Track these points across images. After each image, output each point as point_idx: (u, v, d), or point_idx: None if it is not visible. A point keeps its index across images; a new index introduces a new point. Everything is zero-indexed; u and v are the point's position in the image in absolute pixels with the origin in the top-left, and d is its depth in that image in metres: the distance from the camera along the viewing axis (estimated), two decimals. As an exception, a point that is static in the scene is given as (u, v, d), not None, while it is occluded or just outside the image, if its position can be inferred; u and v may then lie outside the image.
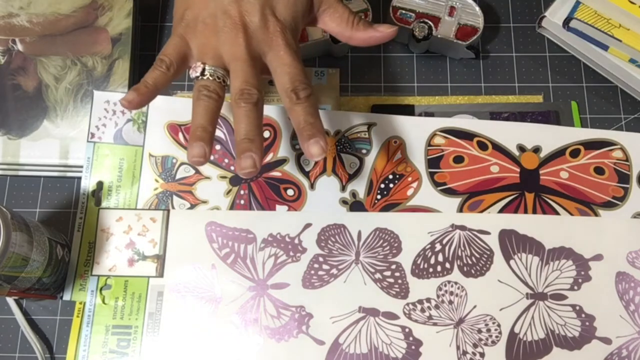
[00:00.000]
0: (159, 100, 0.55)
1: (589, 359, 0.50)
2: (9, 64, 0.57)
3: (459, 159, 0.55)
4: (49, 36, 0.57)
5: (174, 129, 0.55)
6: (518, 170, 0.54)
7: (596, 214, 0.53)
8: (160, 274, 0.52)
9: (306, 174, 0.54)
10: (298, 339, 0.50)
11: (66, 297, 0.51)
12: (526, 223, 0.53)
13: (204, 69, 0.44)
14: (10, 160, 0.55)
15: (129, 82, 0.56)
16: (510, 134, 0.55)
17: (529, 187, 0.54)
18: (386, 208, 0.53)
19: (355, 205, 0.53)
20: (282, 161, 0.54)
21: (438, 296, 0.51)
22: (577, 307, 0.51)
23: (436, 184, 0.54)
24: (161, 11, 0.61)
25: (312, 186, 0.54)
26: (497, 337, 0.50)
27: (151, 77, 0.44)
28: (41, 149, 0.55)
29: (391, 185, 0.54)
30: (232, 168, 0.54)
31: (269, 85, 0.58)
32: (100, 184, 0.54)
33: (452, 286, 0.51)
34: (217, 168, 0.54)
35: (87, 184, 0.54)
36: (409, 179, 0.54)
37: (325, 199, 0.53)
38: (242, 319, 0.50)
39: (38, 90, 0.56)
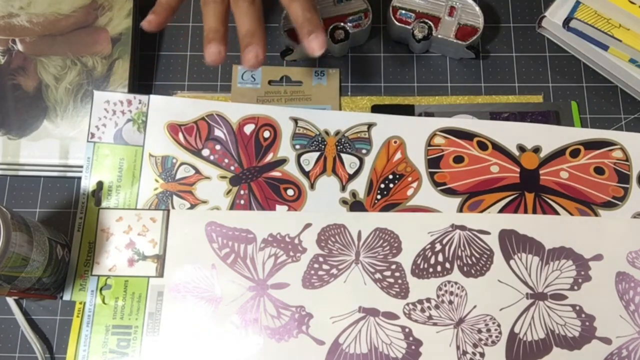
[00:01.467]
0: (159, 100, 0.55)
1: (589, 359, 0.50)
2: (9, 64, 0.57)
3: (459, 159, 0.55)
4: (49, 36, 0.57)
5: (174, 129, 0.55)
6: (518, 170, 0.54)
7: (596, 214, 0.53)
8: (160, 274, 0.52)
9: (306, 174, 0.54)
10: (298, 339, 0.50)
11: (66, 297, 0.51)
12: (526, 223, 0.53)
13: None
14: (10, 160, 0.55)
15: (129, 82, 0.56)
16: (510, 134, 0.55)
17: (529, 187, 0.54)
18: (386, 208, 0.53)
19: (355, 205, 0.53)
20: (282, 161, 0.54)
21: (438, 296, 0.51)
22: (577, 307, 0.51)
23: (436, 184, 0.54)
24: (161, 11, 0.61)
25: (312, 186, 0.54)
26: (497, 337, 0.50)
27: None
28: (41, 149, 0.55)
29: (391, 185, 0.54)
30: (232, 168, 0.54)
31: (269, 85, 0.58)
32: (100, 184, 0.54)
33: (452, 286, 0.51)
34: (217, 168, 0.54)
35: (87, 184, 0.54)
36: (409, 179, 0.54)
37: (325, 199, 0.53)
38: (242, 319, 0.50)
39: (38, 90, 0.56)
